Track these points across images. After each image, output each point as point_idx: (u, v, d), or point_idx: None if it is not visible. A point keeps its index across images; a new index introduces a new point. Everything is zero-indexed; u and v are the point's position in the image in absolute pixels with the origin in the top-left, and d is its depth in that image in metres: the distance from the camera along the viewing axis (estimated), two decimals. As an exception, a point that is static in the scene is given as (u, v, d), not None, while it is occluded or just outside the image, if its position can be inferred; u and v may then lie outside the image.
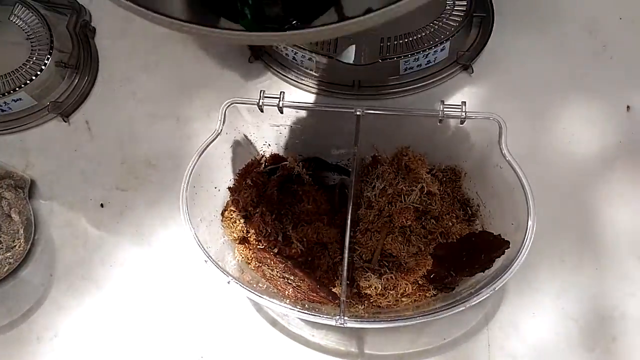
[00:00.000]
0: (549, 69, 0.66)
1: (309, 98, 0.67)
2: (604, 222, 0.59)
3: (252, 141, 0.59)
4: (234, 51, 0.70)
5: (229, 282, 0.47)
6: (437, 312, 0.45)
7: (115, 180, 0.67)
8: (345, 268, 0.47)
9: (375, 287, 0.54)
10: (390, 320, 0.46)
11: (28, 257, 0.64)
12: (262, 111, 0.53)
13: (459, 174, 0.59)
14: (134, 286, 0.61)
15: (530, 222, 0.45)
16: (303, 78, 0.67)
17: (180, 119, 0.68)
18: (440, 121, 0.50)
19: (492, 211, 0.55)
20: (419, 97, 0.65)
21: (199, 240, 0.48)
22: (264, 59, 0.68)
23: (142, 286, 0.61)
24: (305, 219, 0.57)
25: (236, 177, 0.58)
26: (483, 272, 0.49)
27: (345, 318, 0.45)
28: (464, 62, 0.64)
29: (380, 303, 0.54)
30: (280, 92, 0.52)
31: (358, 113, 0.50)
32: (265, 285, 0.53)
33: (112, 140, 0.68)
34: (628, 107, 0.63)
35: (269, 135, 0.59)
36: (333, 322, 0.45)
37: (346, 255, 0.47)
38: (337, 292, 0.53)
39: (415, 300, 0.54)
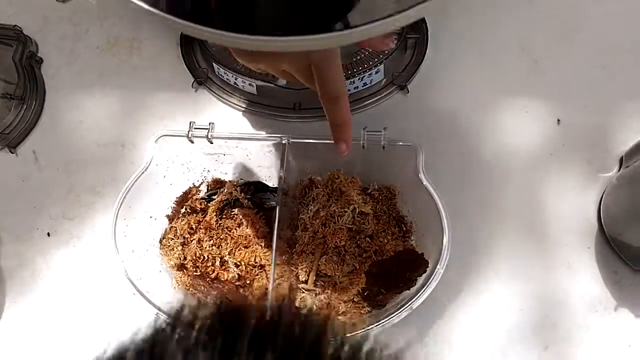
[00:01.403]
0: (484, 86, 0.68)
1: (253, 121, 0.69)
2: (534, 236, 0.62)
3: (190, 169, 0.61)
4: (180, 78, 0.72)
5: (156, 314, 0.49)
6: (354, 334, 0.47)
7: (62, 209, 0.68)
8: (271, 291, 0.48)
9: (310, 308, 0.55)
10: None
11: (-25, 289, 0.65)
12: (192, 142, 0.54)
13: (393, 192, 0.61)
14: (82, 315, 0.63)
15: (445, 241, 0.47)
16: (246, 102, 0.69)
17: (125, 145, 0.70)
18: (364, 147, 0.52)
19: (423, 229, 0.57)
20: (358, 118, 0.67)
21: (127, 273, 0.49)
22: (207, 84, 0.70)
23: (88, 315, 0.62)
24: (243, 242, 0.58)
25: (173, 205, 0.60)
26: (408, 289, 0.51)
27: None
28: (399, 83, 0.67)
29: (316, 323, 0.56)
30: (210, 123, 0.54)
31: (284, 142, 0.52)
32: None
33: (59, 169, 0.70)
34: (558, 120, 0.66)
35: (207, 162, 0.61)
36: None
37: (272, 277, 0.49)
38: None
39: (350, 318, 0.56)
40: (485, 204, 0.63)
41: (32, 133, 0.72)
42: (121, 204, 0.52)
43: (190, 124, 0.54)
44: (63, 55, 0.75)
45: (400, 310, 0.47)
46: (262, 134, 0.54)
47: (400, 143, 0.52)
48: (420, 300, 0.47)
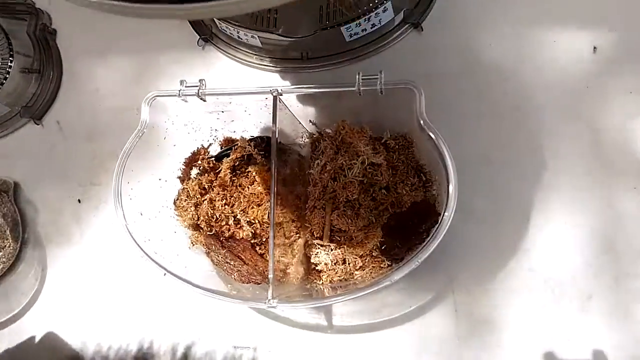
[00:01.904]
0: (507, 17, 0.62)
1: (261, 76, 0.67)
2: (569, 177, 0.57)
3: (195, 129, 0.60)
4: (187, 37, 0.70)
5: (164, 275, 0.50)
6: (358, 291, 0.46)
7: (89, 175, 0.71)
8: (272, 248, 0.48)
9: (325, 263, 0.55)
10: (317, 299, 0.48)
11: (20, 255, 0.70)
12: (185, 101, 0.54)
13: (410, 140, 0.58)
14: (116, 276, 0.66)
15: (451, 189, 0.45)
16: (253, 56, 0.67)
17: (139, 109, 0.70)
18: (360, 94, 0.49)
19: (439, 177, 0.54)
20: (370, 63, 0.64)
21: (131, 235, 0.50)
22: (214, 42, 0.68)
23: (123, 275, 0.65)
24: (255, 200, 0.58)
25: (183, 167, 0.60)
26: (421, 242, 0.49)
27: (274, 301, 0.47)
28: (412, 21, 0.62)
29: (333, 278, 0.55)
30: (200, 80, 0.53)
31: (274, 94, 0.50)
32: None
33: (82, 137, 0.72)
34: (595, 48, 0.59)
35: (214, 122, 0.61)
36: (263, 306, 0.47)
37: (272, 234, 0.48)
38: (290, 272, 0.55)
39: (369, 273, 0.55)
40: (513, 146, 0.58)
41: (54, 104, 0.74)
42: (123, 168, 0.52)
43: (180, 82, 0.53)
44: (75, 24, 0.76)
45: (406, 264, 0.45)
46: (260, 87, 0.52)
47: (396, 86, 0.48)
48: (427, 252, 0.45)
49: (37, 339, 0.66)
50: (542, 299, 0.55)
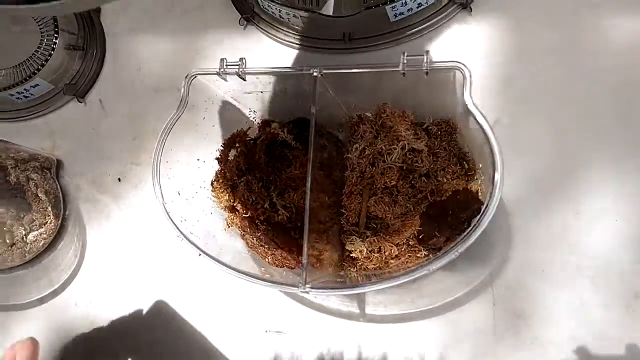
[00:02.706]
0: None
1: (302, 56, 0.66)
2: (622, 170, 0.54)
3: (233, 110, 0.60)
4: (228, 16, 0.70)
5: (199, 255, 0.50)
6: (393, 279, 0.45)
7: (129, 155, 0.72)
8: (306, 232, 0.48)
9: (360, 251, 0.54)
10: (350, 287, 0.47)
11: (61, 232, 0.72)
12: (225, 80, 0.53)
13: (454, 126, 0.57)
14: (152, 255, 0.67)
15: (497, 177, 0.43)
16: (294, 36, 0.66)
17: (180, 89, 0.70)
18: (404, 75, 0.48)
19: (484, 166, 0.52)
20: (414, 45, 0.62)
21: (168, 215, 0.51)
22: (255, 21, 0.68)
23: (159, 254, 0.67)
24: (291, 184, 0.58)
25: (221, 148, 0.60)
26: (461, 232, 0.48)
27: (308, 286, 0.46)
28: (460, 0, 0.59)
29: (367, 266, 0.55)
30: (240, 59, 0.52)
31: (315, 74, 0.49)
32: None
33: (124, 116, 0.73)
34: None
35: (252, 102, 0.60)
36: (296, 291, 0.47)
37: (306, 219, 0.48)
38: (324, 258, 0.55)
39: (405, 262, 0.54)
40: (561, 138, 0.55)
41: (97, 82, 0.76)
42: (163, 147, 0.53)
43: (221, 61, 0.53)
44: (119, 2, 0.76)
45: (446, 254, 0.44)
46: (300, 67, 0.51)
47: (444, 66, 0.46)
48: (469, 242, 0.43)
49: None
50: (586, 296, 0.53)
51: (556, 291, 0.53)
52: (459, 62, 0.46)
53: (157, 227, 0.68)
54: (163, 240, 0.67)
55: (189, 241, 0.50)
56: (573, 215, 0.54)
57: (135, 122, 0.73)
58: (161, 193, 0.52)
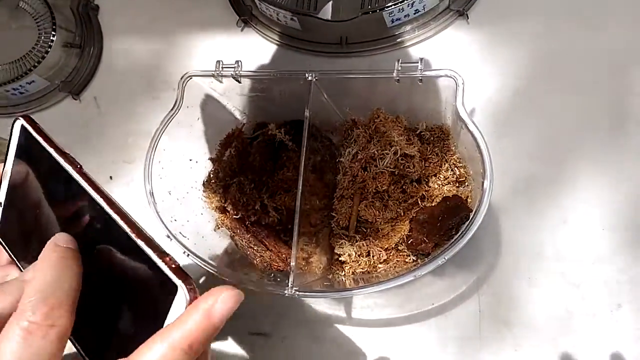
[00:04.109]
0: (556, 8, 0.60)
1: (298, 59, 0.68)
2: (615, 179, 0.55)
3: (229, 110, 0.62)
4: (226, 17, 0.72)
5: (187, 255, 0.51)
6: (381, 283, 0.46)
7: (122, 153, 0.73)
8: (296, 235, 0.49)
9: (349, 255, 0.55)
10: (337, 291, 0.48)
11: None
12: (220, 82, 0.55)
13: (446, 132, 0.58)
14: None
15: (486, 184, 0.44)
16: (291, 39, 0.68)
17: (177, 89, 0.72)
18: (398, 81, 0.49)
19: (475, 173, 0.54)
20: (410, 52, 0.64)
21: (158, 214, 0.52)
22: (253, 23, 0.70)
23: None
24: (284, 187, 0.59)
25: (218, 148, 0.61)
26: (450, 238, 0.49)
27: (295, 289, 0.47)
28: (458, 7, 0.61)
29: (356, 270, 0.56)
30: (237, 61, 0.54)
31: (309, 78, 0.51)
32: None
33: (119, 115, 0.75)
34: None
35: (247, 103, 0.62)
36: (283, 293, 0.48)
37: (296, 221, 0.49)
38: (313, 261, 0.56)
39: (394, 267, 0.55)
40: (552, 145, 0.57)
41: (93, 80, 0.77)
42: (156, 146, 0.54)
43: (217, 62, 0.54)
44: (116, 1, 0.79)
45: (434, 259, 0.45)
46: (295, 70, 0.53)
47: (437, 73, 0.47)
48: (457, 248, 0.44)
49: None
50: (571, 305, 0.54)
51: (542, 299, 0.54)
52: (452, 70, 0.47)
53: (146, 226, 0.68)
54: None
55: (177, 241, 0.52)
56: (560, 224, 0.56)
57: (130, 120, 0.74)
58: (152, 192, 0.53)
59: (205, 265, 0.52)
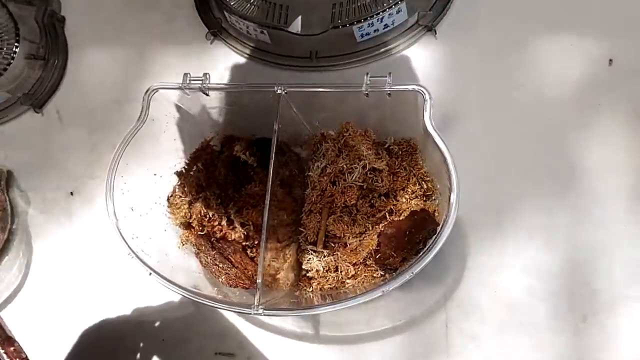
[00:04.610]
0: (523, 23, 0.62)
1: (268, 73, 0.68)
2: (578, 192, 0.56)
3: (196, 124, 0.61)
4: (195, 30, 0.71)
5: (150, 274, 0.50)
6: (349, 300, 0.45)
7: (84, 169, 0.71)
8: (263, 251, 0.48)
9: (317, 270, 0.55)
10: (305, 308, 0.47)
11: (7, 246, 0.70)
12: (188, 95, 0.54)
13: (414, 146, 0.58)
14: (101, 272, 0.66)
15: (453, 198, 0.44)
16: (261, 52, 0.67)
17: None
18: (367, 95, 0.49)
19: (442, 187, 0.54)
20: (379, 66, 0.64)
21: (119, 232, 0.51)
22: (222, 36, 0.69)
23: (109, 272, 0.65)
24: (251, 201, 0.58)
25: (186, 161, 0.60)
26: (418, 253, 0.49)
27: (261, 308, 0.46)
28: (426, 23, 0.62)
29: (324, 286, 0.55)
30: (204, 74, 0.53)
31: (279, 92, 0.50)
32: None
33: (82, 128, 0.73)
34: (610, 60, 0.59)
35: (215, 116, 0.61)
36: (250, 312, 0.46)
37: (264, 237, 0.48)
38: (280, 277, 0.55)
39: (362, 282, 0.54)
40: (518, 160, 0.58)
41: (56, 92, 0.76)
42: (118, 161, 0.53)
43: (185, 75, 0.53)
44: (84, 13, 0.78)
45: (402, 274, 0.44)
46: (265, 84, 0.52)
47: (405, 88, 0.47)
48: (424, 263, 0.44)
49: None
50: (537, 319, 0.54)
51: (508, 312, 0.54)
52: (420, 85, 0.48)
53: (108, 244, 0.67)
54: (114, 258, 0.66)
55: (140, 260, 0.50)
56: (526, 240, 0.56)
57: (94, 134, 0.73)
58: (114, 209, 0.52)
59: (169, 286, 0.50)
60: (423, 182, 0.57)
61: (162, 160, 0.61)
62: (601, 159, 0.57)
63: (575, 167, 0.57)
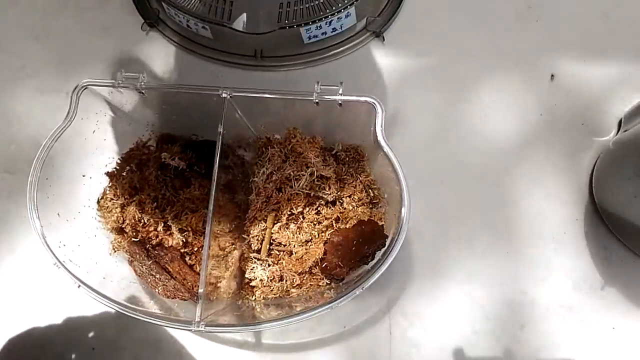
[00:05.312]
0: (468, 34, 0.64)
1: (210, 70, 0.65)
2: (517, 205, 0.58)
3: (130, 123, 0.57)
4: (131, 21, 0.67)
5: (79, 287, 0.46)
6: (296, 316, 0.44)
7: (3, 163, 0.65)
8: (205, 260, 0.46)
9: (261, 280, 0.53)
10: (249, 325, 0.46)
11: None
12: (121, 93, 0.51)
13: (362, 153, 0.58)
14: (30, 281, 0.60)
15: (404, 212, 0.44)
16: (202, 48, 0.64)
17: (69, 93, 0.66)
18: (317, 104, 0.48)
19: (388, 197, 0.54)
20: (325, 69, 0.63)
21: (44, 240, 0.46)
22: (160, 28, 0.65)
23: (39, 280, 0.60)
24: (190, 206, 0.55)
25: (118, 162, 0.56)
26: (366, 264, 0.48)
27: (202, 324, 0.44)
28: (374, 29, 0.62)
29: (268, 295, 0.53)
30: (140, 72, 0.50)
31: (224, 95, 0.48)
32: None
33: (1, 119, 0.66)
34: (552, 75, 0.61)
35: (151, 116, 0.57)
36: (190, 329, 0.44)
37: (206, 245, 0.46)
38: (221, 286, 0.53)
39: (307, 291, 0.54)
40: (462, 170, 0.59)
41: (-30, 81, 0.68)
42: (42, 163, 0.48)
43: (118, 72, 0.50)
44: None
45: (353, 289, 0.44)
46: (208, 85, 0.50)
47: (357, 99, 0.47)
48: (374, 279, 0.44)
49: None
50: (477, 326, 0.56)
51: (450, 321, 0.56)
52: (372, 97, 0.47)
53: (33, 248, 0.61)
54: (40, 264, 0.60)
55: (67, 270, 0.46)
56: (469, 249, 0.58)
57: (13, 125, 0.66)
58: (37, 215, 0.47)
59: (100, 299, 0.47)
60: (370, 190, 0.57)
61: (92, 160, 0.57)
62: (545, 170, 0.59)
63: (519, 180, 0.59)
